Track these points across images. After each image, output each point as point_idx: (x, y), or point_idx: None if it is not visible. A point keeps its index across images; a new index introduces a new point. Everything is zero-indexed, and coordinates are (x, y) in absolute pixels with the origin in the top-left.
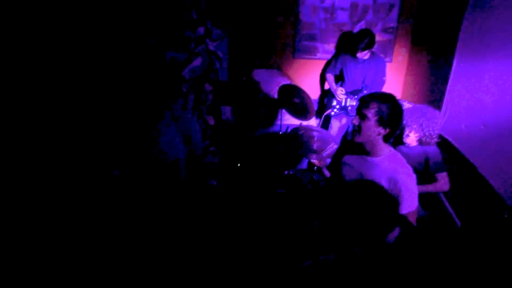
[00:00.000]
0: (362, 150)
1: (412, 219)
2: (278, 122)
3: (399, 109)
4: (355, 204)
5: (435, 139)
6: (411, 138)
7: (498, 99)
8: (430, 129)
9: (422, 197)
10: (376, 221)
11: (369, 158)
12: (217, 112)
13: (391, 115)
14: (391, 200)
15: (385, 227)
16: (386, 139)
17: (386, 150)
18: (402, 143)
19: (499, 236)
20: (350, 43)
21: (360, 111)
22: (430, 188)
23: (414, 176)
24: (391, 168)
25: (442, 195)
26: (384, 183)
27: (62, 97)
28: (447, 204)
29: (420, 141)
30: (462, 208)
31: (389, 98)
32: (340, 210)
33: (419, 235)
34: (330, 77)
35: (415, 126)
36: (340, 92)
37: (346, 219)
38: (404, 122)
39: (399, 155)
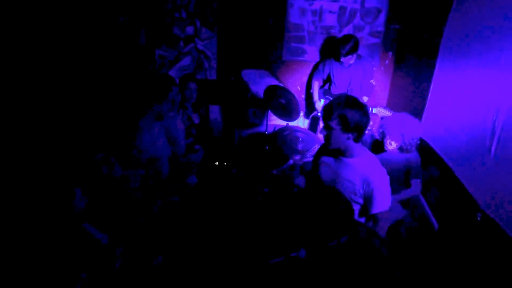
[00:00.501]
0: (338, 151)
1: (384, 219)
2: (265, 122)
3: (362, 111)
4: (312, 206)
5: (415, 147)
6: (392, 146)
7: (475, 105)
8: (410, 138)
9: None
10: (327, 225)
11: (344, 158)
12: (204, 110)
13: (355, 119)
14: (348, 206)
15: (334, 232)
16: (356, 140)
17: (360, 151)
18: (384, 150)
19: (473, 238)
20: (335, 48)
21: (325, 123)
22: (403, 195)
23: (387, 177)
24: (364, 169)
25: (421, 197)
26: (357, 183)
27: (53, 94)
28: (425, 205)
29: (400, 149)
30: (439, 210)
31: (350, 104)
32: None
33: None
34: (315, 84)
35: (395, 136)
36: (318, 106)
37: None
38: (385, 131)
39: (373, 157)
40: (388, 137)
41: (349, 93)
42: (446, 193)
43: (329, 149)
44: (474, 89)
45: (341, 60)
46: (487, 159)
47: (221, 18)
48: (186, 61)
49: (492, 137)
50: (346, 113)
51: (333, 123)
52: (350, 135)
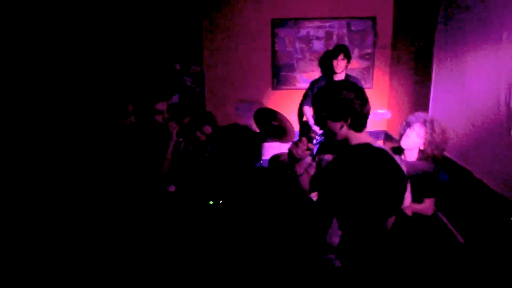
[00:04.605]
0: (341, 146)
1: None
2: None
3: (338, 95)
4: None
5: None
6: (414, 140)
7: (481, 95)
8: (440, 136)
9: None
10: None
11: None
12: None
13: (334, 106)
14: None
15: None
16: (356, 128)
17: (367, 140)
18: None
19: (507, 243)
20: (328, 57)
21: (315, 113)
22: (415, 206)
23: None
24: None
25: (440, 215)
26: None
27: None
28: (446, 221)
29: (422, 153)
30: (463, 223)
31: (322, 93)
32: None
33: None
34: (307, 110)
35: (421, 125)
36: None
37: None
38: (409, 120)
39: (381, 147)
40: (412, 127)
41: None
42: (469, 199)
43: (331, 145)
44: (477, 78)
45: (333, 66)
46: (508, 141)
47: (207, 52)
48: (175, 99)
49: (510, 117)
50: (324, 104)
51: (321, 111)
52: (342, 122)
